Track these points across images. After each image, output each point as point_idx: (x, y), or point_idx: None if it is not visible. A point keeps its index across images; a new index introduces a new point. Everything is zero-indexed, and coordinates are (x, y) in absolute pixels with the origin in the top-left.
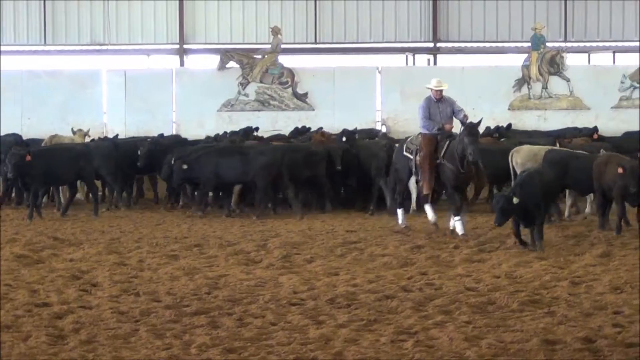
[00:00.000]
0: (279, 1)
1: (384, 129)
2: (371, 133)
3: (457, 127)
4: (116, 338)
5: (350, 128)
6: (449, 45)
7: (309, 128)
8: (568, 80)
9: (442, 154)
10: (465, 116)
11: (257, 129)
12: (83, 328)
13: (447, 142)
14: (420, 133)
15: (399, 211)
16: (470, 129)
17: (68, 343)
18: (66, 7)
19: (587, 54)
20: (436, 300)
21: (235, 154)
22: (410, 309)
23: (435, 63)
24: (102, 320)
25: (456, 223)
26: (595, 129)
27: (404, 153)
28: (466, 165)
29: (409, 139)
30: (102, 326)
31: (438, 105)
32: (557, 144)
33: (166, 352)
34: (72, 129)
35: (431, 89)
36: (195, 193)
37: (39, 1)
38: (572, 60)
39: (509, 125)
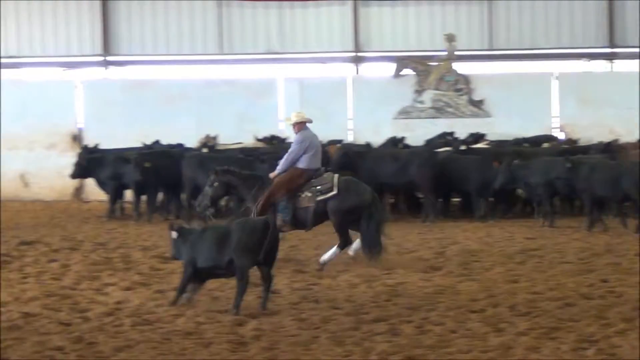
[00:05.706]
0: (454, 8)
1: (562, 136)
2: (549, 139)
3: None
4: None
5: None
6: (628, 50)
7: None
8: None
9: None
10: None
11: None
12: (264, 335)
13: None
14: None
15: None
16: None
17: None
18: (241, 17)
19: None
20: (616, 307)
21: None
22: (591, 317)
23: (612, 69)
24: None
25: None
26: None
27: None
28: None
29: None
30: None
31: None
32: None
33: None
34: None
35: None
36: None
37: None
38: None
39: None
